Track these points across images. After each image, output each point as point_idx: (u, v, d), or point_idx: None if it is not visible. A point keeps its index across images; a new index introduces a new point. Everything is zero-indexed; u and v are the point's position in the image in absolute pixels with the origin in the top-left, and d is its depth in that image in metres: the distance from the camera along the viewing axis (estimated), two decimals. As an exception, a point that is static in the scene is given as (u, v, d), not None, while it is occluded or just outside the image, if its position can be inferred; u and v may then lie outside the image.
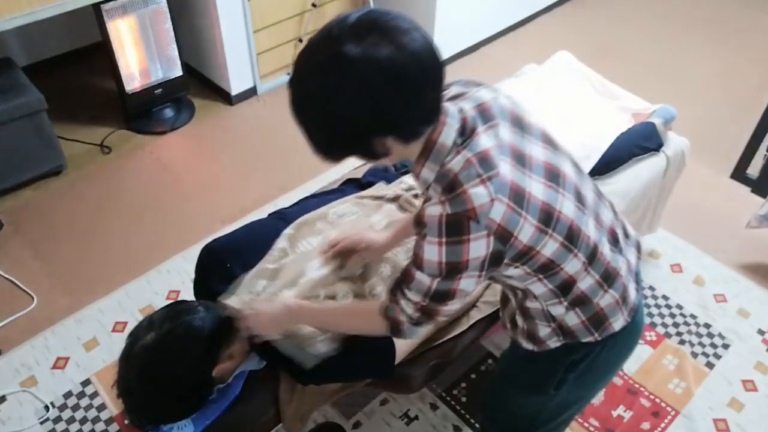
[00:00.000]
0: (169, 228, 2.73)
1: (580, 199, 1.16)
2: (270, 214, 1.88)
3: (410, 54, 0.96)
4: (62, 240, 2.68)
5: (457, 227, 1.03)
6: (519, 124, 1.15)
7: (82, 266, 2.58)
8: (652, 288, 2.56)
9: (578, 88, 2.40)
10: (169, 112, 3.29)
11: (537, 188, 1.08)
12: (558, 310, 1.22)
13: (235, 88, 3.41)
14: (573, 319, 1.24)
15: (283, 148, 3.16)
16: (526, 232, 1.06)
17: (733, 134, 3.21)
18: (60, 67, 3.52)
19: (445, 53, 3.83)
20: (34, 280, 2.52)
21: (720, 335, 2.39)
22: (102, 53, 3.02)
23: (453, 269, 1.06)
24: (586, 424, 2.11)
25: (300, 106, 1.02)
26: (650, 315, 2.46)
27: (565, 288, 1.18)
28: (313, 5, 3.43)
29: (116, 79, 3.05)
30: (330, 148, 1.06)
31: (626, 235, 1.33)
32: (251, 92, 3.49)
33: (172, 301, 2.19)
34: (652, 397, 2.20)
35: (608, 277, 1.21)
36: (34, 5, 2.51)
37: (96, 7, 2.78)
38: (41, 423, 2.08)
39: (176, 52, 3.13)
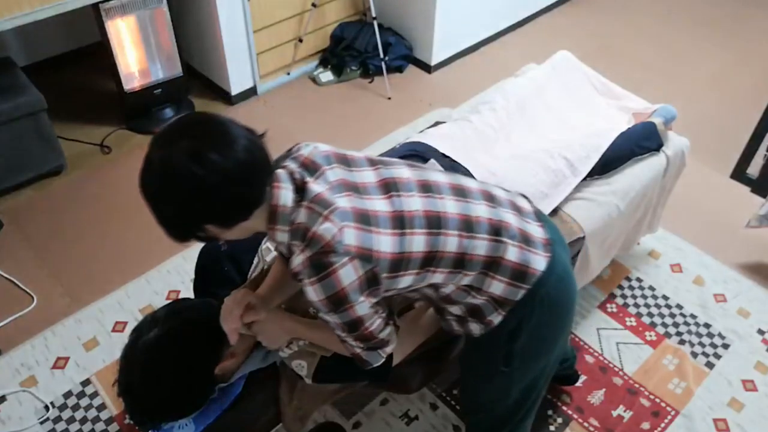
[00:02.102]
0: (169, 228, 2.72)
1: (425, 188, 1.29)
2: None
3: (216, 170, 1.07)
4: (62, 240, 2.68)
5: (320, 264, 1.14)
6: (344, 161, 1.29)
7: (82, 266, 2.58)
8: (652, 288, 2.56)
9: (578, 88, 2.40)
10: (168, 112, 3.29)
11: (378, 204, 1.22)
12: (477, 282, 1.32)
13: (235, 88, 3.40)
14: (497, 287, 1.33)
15: (283, 148, 3.15)
16: (384, 242, 1.19)
17: (733, 134, 3.21)
18: (60, 67, 3.52)
19: (445, 53, 3.86)
20: (34, 280, 2.52)
21: (720, 335, 2.39)
22: (102, 53, 3.01)
23: (336, 301, 1.17)
24: (585, 424, 2.11)
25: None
26: (650, 315, 2.46)
27: (459, 263, 1.29)
28: (313, 5, 3.43)
29: (116, 79, 3.05)
30: (167, 230, 1.17)
31: (506, 191, 1.44)
32: (251, 92, 3.49)
33: (172, 300, 2.19)
34: (652, 397, 2.20)
35: (497, 231, 1.31)
36: (34, 5, 2.51)
37: (95, 7, 2.78)
38: (41, 423, 2.08)
39: (176, 53, 3.12)
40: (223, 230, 1.17)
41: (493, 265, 1.32)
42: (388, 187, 1.26)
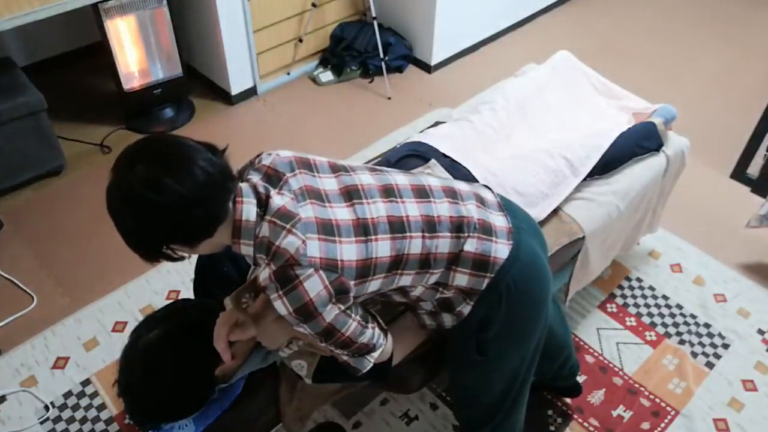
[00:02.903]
0: (169, 228, 2.72)
1: (387, 193, 1.31)
2: None
3: (171, 195, 1.09)
4: (62, 240, 2.68)
5: (286, 277, 1.16)
6: (308, 166, 1.30)
7: (82, 266, 2.58)
8: (652, 288, 2.56)
9: (578, 88, 2.40)
10: (168, 112, 3.29)
11: (341, 213, 1.24)
12: (443, 278, 1.35)
13: (235, 88, 3.40)
14: (462, 279, 1.36)
15: (283, 147, 3.15)
16: (348, 251, 1.20)
17: (733, 134, 3.21)
18: (60, 67, 3.52)
19: (445, 53, 3.86)
20: (34, 280, 2.52)
21: (720, 335, 2.39)
22: (102, 53, 3.01)
23: (304, 313, 1.18)
24: (585, 424, 2.11)
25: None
26: (650, 315, 2.46)
27: (425, 263, 1.31)
28: (313, 5, 3.43)
29: (115, 79, 3.05)
30: (135, 251, 1.20)
31: (469, 184, 1.46)
32: (251, 92, 3.49)
33: (172, 300, 2.19)
34: (652, 396, 2.20)
35: (459, 227, 1.34)
36: (34, 5, 2.51)
37: (95, 7, 2.78)
38: (41, 423, 2.08)
39: (176, 53, 3.12)
40: (189, 249, 1.20)
41: (455, 259, 1.34)
42: (350, 195, 1.28)
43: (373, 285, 1.28)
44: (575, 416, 2.14)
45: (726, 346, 2.36)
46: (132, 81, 3.09)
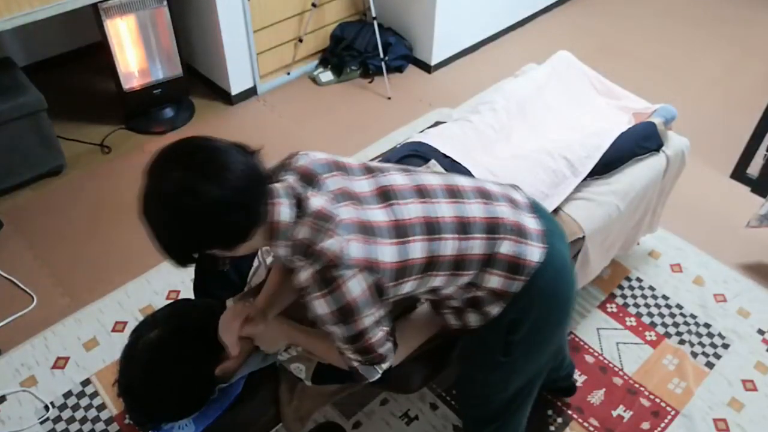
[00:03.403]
0: (169, 228, 2.72)
1: (421, 194, 1.30)
2: None
3: (207, 199, 1.07)
4: (62, 240, 2.68)
5: (328, 279, 1.16)
6: (342, 168, 1.29)
7: (82, 266, 2.58)
8: (652, 288, 2.56)
9: (579, 88, 2.40)
10: (168, 112, 3.29)
11: (377, 215, 1.24)
12: (475, 279, 1.34)
13: (235, 88, 3.40)
14: (495, 281, 1.35)
15: (283, 147, 3.15)
16: (386, 253, 1.20)
17: (733, 134, 3.21)
18: (60, 67, 3.52)
19: (445, 53, 3.86)
20: (34, 280, 2.52)
21: (720, 335, 2.39)
22: (102, 53, 3.01)
23: (345, 313, 1.18)
24: (585, 424, 2.11)
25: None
26: (650, 315, 2.46)
27: (458, 265, 1.31)
28: (313, 5, 3.43)
29: (115, 79, 3.05)
30: (170, 258, 1.17)
31: (499, 185, 1.45)
32: (251, 92, 3.49)
33: (172, 300, 2.19)
34: (652, 396, 2.20)
35: (492, 229, 1.33)
36: (34, 5, 2.51)
37: (95, 7, 2.78)
38: (41, 423, 2.08)
39: (176, 53, 3.12)
40: (225, 252, 1.18)
41: (489, 261, 1.33)
42: (386, 196, 1.28)
43: (408, 287, 1.28)
44: (575, 416, 2.14)
45: (726, 346, 2.36)
46: (132, 81, 3.09)
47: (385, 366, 1.33)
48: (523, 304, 1.38)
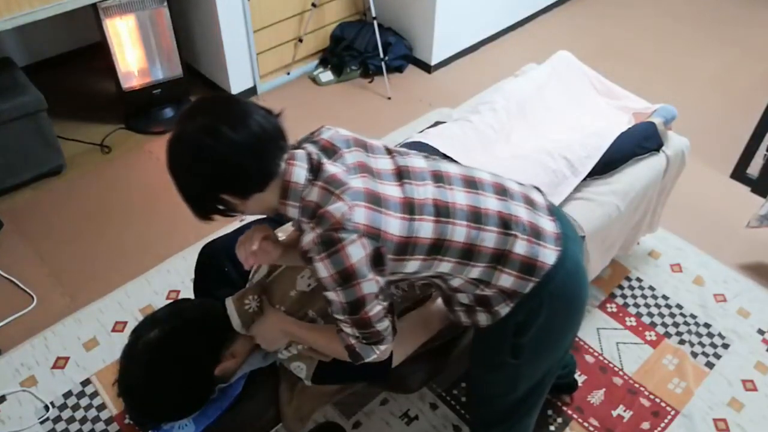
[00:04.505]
0: (168, 227, 2.73)
1: (437, 179, 1.33)
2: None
3: (227, 143, 1.16)
4: (62, 240, 2.68)
5: (330, 241, 1.19)
6: (363, 146, 1.34)
7: (82, 266, 2.58)
8: (652, 288, 2.56)
9: (578, 88, 2.40)
10: (168, 112, 3.29)
11: (390, 190, 1.27)
12: (487, 276, 1.34)
13: (235, 88, 3.40)
14: (507, 280, 1.34)
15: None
16: (392, 224, 1.23)
17: (733, 134, 3.21)
18: (60, 67, 3.52)
19: (445, 53, 3.86)
20: (34, 279, 2.52)
21: (720, 335, 2.39)
22: (102, 53, 3.01)
23: (344, 276, 1.20)
24: (585, 424, 2.11)
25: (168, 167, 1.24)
26: (650, 315, 2.46)
27: (467, 254, 1.31)
28: (313, 5, 3.43)
29: (114, 78, 3.05)
30: (191, 205, 1.25)
31: (520, 184, 1.45)
32: (251, 92, 3.49)
33: (172, 300, 2.19)
34: (652, 396, 2.20)
35: (507, 224, 1.33)
36: (34, 5, 2.51)
37: (95, 6, 2.78)
38: (41, 423, 2.08)
39: (176, 53, 3.12)
40: (241, 201, 1.23)
41: (501, 257, 1.33)
42: (402, 175, 1.31)
43: (411, 265, 1.29)
44: (575, 416, 2.14)
45: (726, 346, 2.36)
46: (131, 80, 3.09)
47: (383, 347, 1.34)
48: (532, 305, 1.37)
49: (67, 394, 2.16)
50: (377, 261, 1.22)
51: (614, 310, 2.47)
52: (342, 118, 3.39)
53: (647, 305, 2.49)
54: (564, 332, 1.48)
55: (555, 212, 1.45)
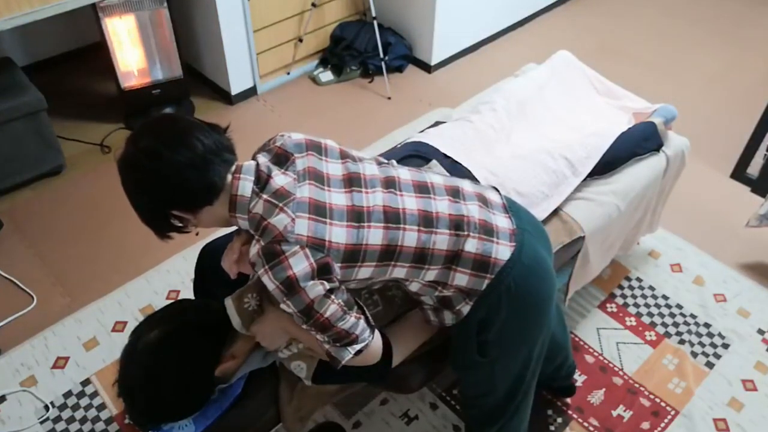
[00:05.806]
0: (169, 228, 2.72)
1: (387, 185, 1.35)
2: None
3: (167, 165, 1.22)
4: (62, 240, 2.68)
5: (272, 253, 1.21)
6: (317, 149, 1.36)
7: (81, 266, 2.58)
8: (652, 288, 2.56)
9: (578, 88, 2.40)
10: (168, 112, 3.29)
11: (337, 198, 1.29)
12: (443, 277, 1.36)
13: (235, 88, 3.40)
14: (462, 279, 1.37)
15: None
16: (337, 234, 1.25)
17: (733, 134, 3.21)
18: (60, 67, 3.52)
19: (445, 53, 3.87)
20: (33, 280, 2.52)
21: (720, 335, 2.39)
22: (102, 53, 3.01)
23: (287, 286, 1.21)
24: (585, 424, 2.11)
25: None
26: (650, 315, 2.46)
27: (421, 257, 1.33)
28: (313, 5, 3.43)
29: (114, 77, 3.05)
30: (146, 222, 1.32)
31: (475, 185, 1.48)
32: (251, 92, 3.49)
33: (172, 300, 2.19)
34: (651, 396, 2.20)
35: (458, 225, 1.36)
36: (34, 5, 2.51)
37: (95, 6, 2.78)
38: (41, 423, 2.08)
39: (176, 54, 3.12)
40: (192, 215, 1.28)
41: (455, 257, 1.35)
42: (352, 182, 1.33)
43: (363, 272, 1.30)
44: (575, 416, 2.14)
45: (726, 346, 2.36)
46: (131, 79, 3.09)
47: (357, 346, 1.34)
48: (491, 302, 1.39)
49: (67, 394, 2.16)
50: (323, 271, 1.23)
51: (614, 310, 2.47)
52: (342, 118, 3.39)
53: (647, 305, 2.49)
54: (529, 327, 1.49)
55: (512, 209, 1.47)
